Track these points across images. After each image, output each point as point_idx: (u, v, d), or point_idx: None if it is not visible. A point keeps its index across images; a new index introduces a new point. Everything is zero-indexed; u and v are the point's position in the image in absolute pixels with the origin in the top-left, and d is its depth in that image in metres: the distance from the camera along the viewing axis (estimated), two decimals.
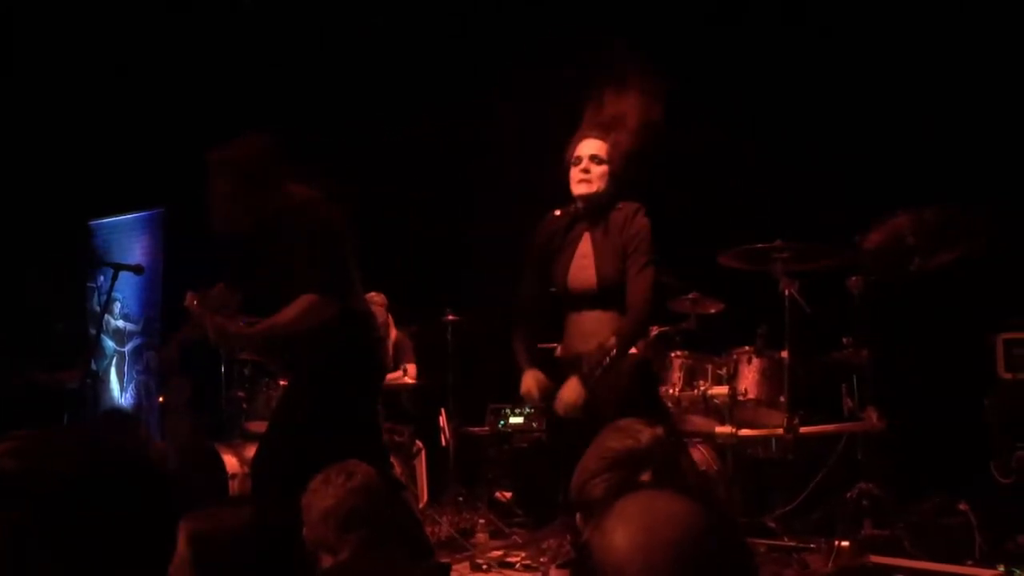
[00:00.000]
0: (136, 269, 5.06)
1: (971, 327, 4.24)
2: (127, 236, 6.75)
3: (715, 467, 4.47)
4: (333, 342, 3.25)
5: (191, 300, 3.27)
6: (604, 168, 3.33)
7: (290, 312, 3.17)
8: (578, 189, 3.34)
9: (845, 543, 4.06)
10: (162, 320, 6.48)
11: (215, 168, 3.32)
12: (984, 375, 4.11)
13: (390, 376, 5.98)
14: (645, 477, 1.90)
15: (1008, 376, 4.05)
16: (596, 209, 3.35)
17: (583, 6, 5.50)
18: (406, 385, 5.93)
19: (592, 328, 3.27)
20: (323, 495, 2.43)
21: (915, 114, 4.76)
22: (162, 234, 6.49)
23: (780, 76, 5.06)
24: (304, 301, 3.17)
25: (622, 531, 1.01)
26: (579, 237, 3.37)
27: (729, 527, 1.05)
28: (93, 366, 6.67)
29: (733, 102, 5.15)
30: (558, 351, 3.43)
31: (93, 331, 5.54)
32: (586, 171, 3.32)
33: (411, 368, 6.02)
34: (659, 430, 2.05)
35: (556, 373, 3.32)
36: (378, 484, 2.51)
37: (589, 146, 3.35)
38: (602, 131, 3.34)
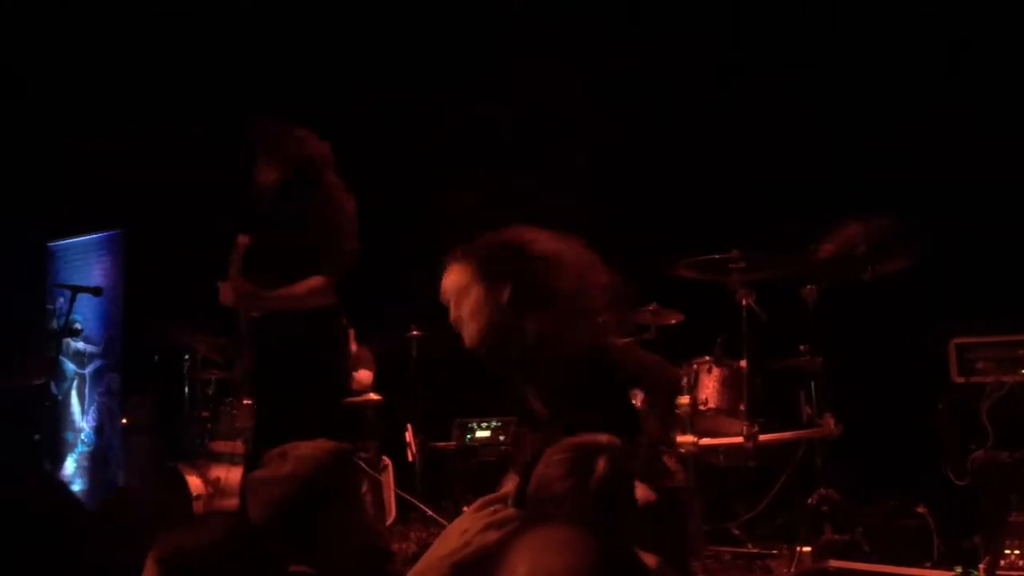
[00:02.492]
0: (95, 291, 5.04)
1: (924, 333, 4.32)
2: (86, 258, 6.69)
3: (679, 477, 4.51)
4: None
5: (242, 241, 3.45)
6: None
7: (301, 287, 3.44)
8: None
9: (806, 548, 4.13)
10: (123, 341, 6.42)
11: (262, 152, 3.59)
12: (937, 379, 4.19)
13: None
14: (601, 463, 1.98)
15: (960, 380, 4.13)
16: None
17: None
18: (371, 401, 5.92)
19: None
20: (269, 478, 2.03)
21: (867, 123, 4.85)
22: (121, 255, 6.44)
23: (732, 86, 5.13)
24: (314, 281, 3.45)
25: (516, 563, 1.06)
26: None
27: (625, 557, 1.10)
28: (53, 389, 6.59)
29: (686, 113, 5.22)
30: None
31: (52, 353, 5.47)
32: None
33: (366, 375, 5.95)
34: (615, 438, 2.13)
35: None
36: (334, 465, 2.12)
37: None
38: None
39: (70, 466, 6.68)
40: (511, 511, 1.51)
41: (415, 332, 6.01)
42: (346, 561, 2.08)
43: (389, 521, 5.42)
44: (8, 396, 4.87)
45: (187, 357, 5.38)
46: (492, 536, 1.48)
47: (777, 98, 5.08)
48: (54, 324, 6.52)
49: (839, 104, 4.97)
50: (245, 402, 5.18)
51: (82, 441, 6.67)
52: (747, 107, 5.14)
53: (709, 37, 5.25)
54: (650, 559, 1.67)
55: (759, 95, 5.11)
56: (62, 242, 6.88)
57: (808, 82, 5.02)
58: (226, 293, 3.44)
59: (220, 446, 5.28)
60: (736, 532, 4.70)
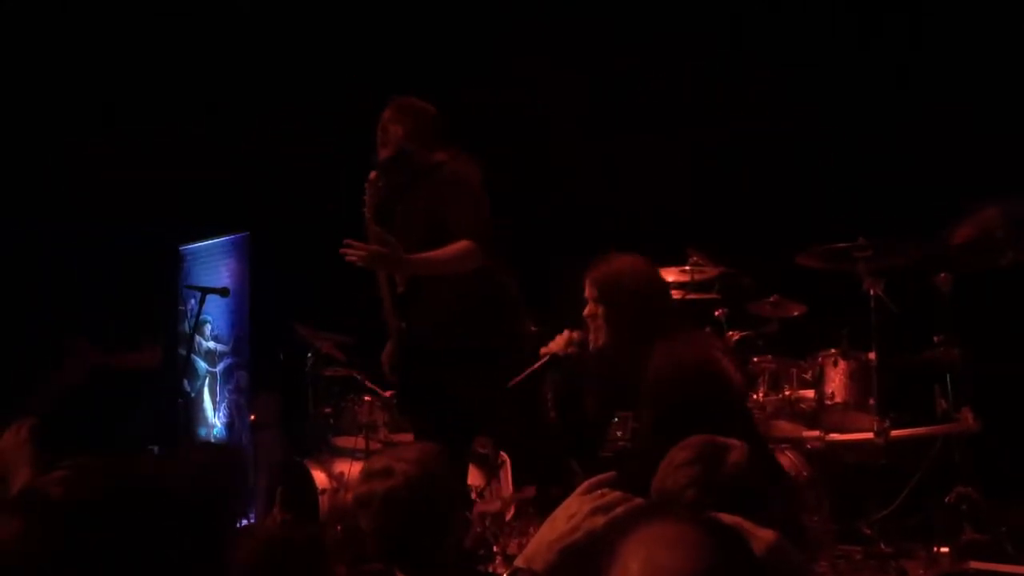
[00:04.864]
0: (222, 292, 5.24)
1: None
2: (215, 260, 6.95)
3: (804, 473, 4.37)
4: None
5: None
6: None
7: (448, 251, 3.37)
8: None
9: (944, 549, 3.94)
10: (251, 340, 6.65)
11: (398, 111, 3.59)
12: None
13: None
14: (734, 456, 1.92)
15: None
16: None
17: None
18: None
19: None
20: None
21: (1000, 103, 4.61)
22: (247, 257, 6.67)
23: (854, 69, 4.96)
24: (461, 245, 3.37)
25: (630, 559, 1.04)
26: None
27: (739, 555, 1.06)
28: (187, 386, 6.88)
29: (808, 99, 5.06)
30: None
31: (184, 352, 5.69)
32: None
33: None
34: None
35: None
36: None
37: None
38: None
39: None
40: (617, 494, 1.48)
41: (533, 328, 5.99)
42: (444, 559, 2.08)
43: (508, 517, 5.42)
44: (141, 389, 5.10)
45: (310, 355, 5.52)
46: (599, 520, 1.45)
47: (907, 80, 4.89)
48: (186, 325, 6.81)
49: (970, 85, 4.74)
50: (367, 399, 5.29)
51: (214, 436, 6.94)
52: (873, 90, 4.95)
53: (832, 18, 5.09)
54: (768, 534, 1.62)
55: (887, 79, 4.93)
56: (192, 245, 7.17)
57: (939, 65, 4.81)
58: (359, 251, 3.30)
59: (343, 441, 5.40)
60: (868, 531, 4.52)
